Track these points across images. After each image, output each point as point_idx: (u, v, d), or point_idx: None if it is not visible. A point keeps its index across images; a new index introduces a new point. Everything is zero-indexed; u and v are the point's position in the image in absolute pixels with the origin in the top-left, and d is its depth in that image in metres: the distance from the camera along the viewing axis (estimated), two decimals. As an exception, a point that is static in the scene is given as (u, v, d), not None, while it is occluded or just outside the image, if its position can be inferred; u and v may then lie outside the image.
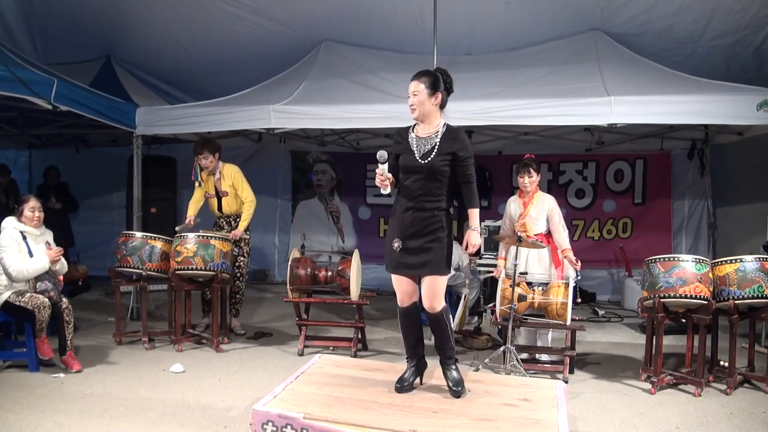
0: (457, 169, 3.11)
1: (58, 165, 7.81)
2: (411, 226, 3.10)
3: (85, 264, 7.50)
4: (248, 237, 5.54)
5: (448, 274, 3.15)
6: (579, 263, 4.45)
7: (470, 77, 6.03)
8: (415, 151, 3.11)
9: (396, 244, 3.12)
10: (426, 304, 3.13)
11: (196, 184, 5.46)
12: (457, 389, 3.08)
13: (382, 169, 3.06)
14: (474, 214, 3.19)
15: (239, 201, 5.45)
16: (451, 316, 3.25)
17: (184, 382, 4.19)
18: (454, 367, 3.17)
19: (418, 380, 3.25)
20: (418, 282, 3.19)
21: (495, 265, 5.11)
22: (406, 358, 3.29)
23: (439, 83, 3.13)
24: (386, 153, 3.07)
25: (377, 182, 3.10)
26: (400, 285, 3.18)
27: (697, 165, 7.63)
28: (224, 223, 5.51)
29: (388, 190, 3.11)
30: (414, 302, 3.20)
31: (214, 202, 5.47)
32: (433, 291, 3.10)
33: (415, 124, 3.22)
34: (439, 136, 3.11)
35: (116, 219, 8.57)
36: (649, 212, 7.77)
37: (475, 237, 3.15)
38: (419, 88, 3.11)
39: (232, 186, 5.40)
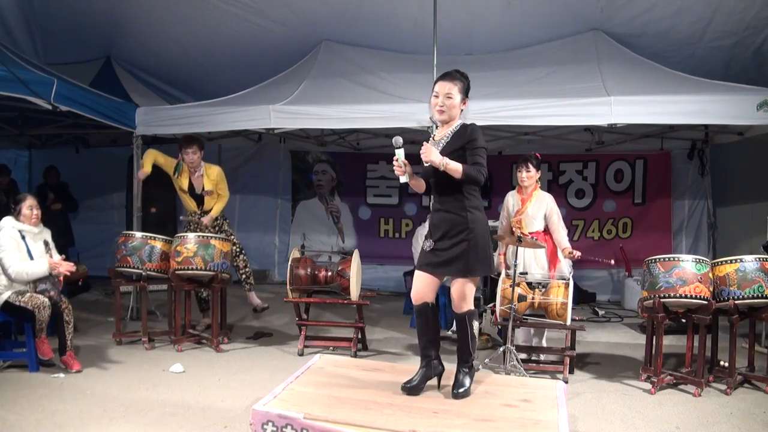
0: (466, 158, 3.04)
1: (58, 165, 7.81)
2: (438, 227, 3.10)
3: (85, 264, 7.46)
4: (224, 220, 5.69)
5: (479, 276, 3.12)
6: (578, 253, 4.47)
7: (470, 77, 6.02)
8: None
9: (427, 244, 3.13)
10: (454, 305, 3.13)
11: (175, 175, 5.48)
12: (456, 391, 3.06)
13: (398, 155, 3.01)
14: (459, 165, 2.96)
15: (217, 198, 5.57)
16: (476, 322, 3.21)
17: (184, 382, 4.19)
18: (466, 371, 3.15)
19: (435, 383, 3.22)
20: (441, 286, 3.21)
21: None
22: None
23: (468, 89, 3.15)
24: (401, 138, 3.02)
25: (395, 170, 3.04)
26: (416, 283, 3.18)
27: (697, 165, 7.63)
28: (200, 217, 5.52)
29: (405, 179, 3.04)
30: (426, 303, 3.17)
31: (188, 198, 5.50)
32: (460, 293, 3.09)
33: (434, 129, 3.20)
34: (450, 135, 3.10)
35: (116, 219, 8.57)
36: (649, 212, 7.77)
37: (435, 153, 2.96)
38: (454, 91, 3.07)
39: (216, 185, 5.49)
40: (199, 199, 5.51)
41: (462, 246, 3.03)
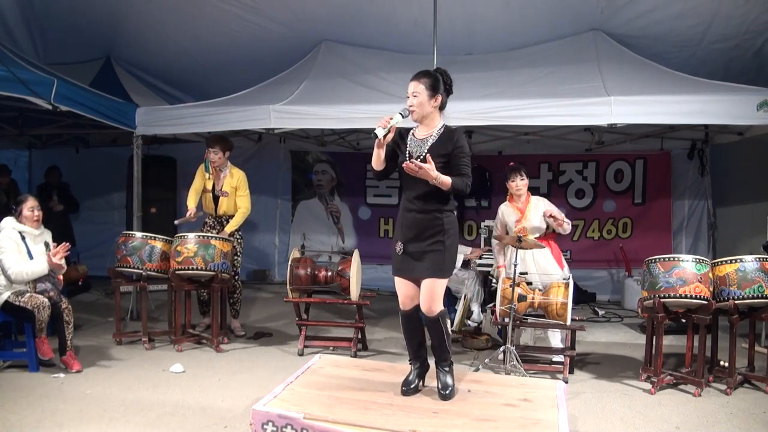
0: (452, 166, 3.03)
1: (58, 165, 7.82)
2: (411, 228, 3.07)
3: (85, 264, 7.50)
4: (240, 237, 5.56)
5: (447, 278, 3.12)
6: (567, 221, 4.48)
7: (470, 77, 6.03)
8: (409, 153, 3.09)
9: (398, 247, 3.11)
10: (423, 307, 3.09)
11: (207, 176, 5.42)
12: (444, 392, 3.07)
13: (395, 119, 3.00)
14: (449, 179, 2.95)
15: (235, 205, 5.46)
16: (448, 319, 3.22)
17: (184, 382, 4.19)
18: (447, 369, 3.16)
19: (421, 382, 3.24)
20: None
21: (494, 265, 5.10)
22: (409, 361, 3.28)
23: (439, 84, 3.10)
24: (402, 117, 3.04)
25: (380, 122, 2.99)
26: (402, 288, 3.16)
27: (697, 165, 7.63)
28: (216, 223, 5.48)
29: (382, 133, 2.99)
30: (416, 305, 3.17)
31: (210, 198, 5.44)
32: (431, 294, 3.06)
33: (415, 126, 3.20)
34: (435, 138, 3.08)
35: (116, 219, 8.57)
36: (649, 212, 7.77)
37: (432, 170, 2.89)
38: (419, 89, 3.07)
39: (235, 188, 5.42)
40: (216, 201, 5.44)
41: (437, 247, 3.04)
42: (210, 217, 5.52)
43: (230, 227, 5.38)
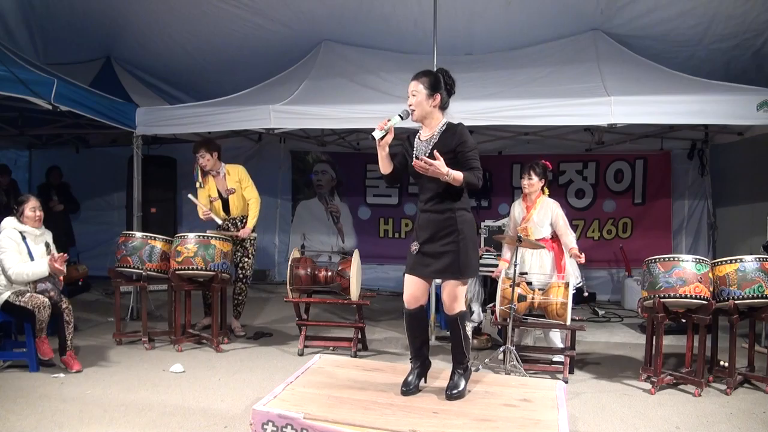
0: (459, 162, 3.01)
1: (58, 165, 7.82)
2: (426, 229, 3.08)
3: (85, 264, 7.51)
4: (254, 238, 5.55)
5: (470, 277, 3.11)
6: (582, 256, 4.43)
7: (470, 77, 6.03)
8: (416, 157, 3.07)
9: (414, 247, 3.13)
10: (445, 307, 3.12)
11: (197, 185, 5.47)
12: (450, 392, 3.07)
13: (393, 121, 3.02)
14: (460, 174, 2.94)
15: (245, 201, 5.46)
16: (469, 323, 3.21)
17: (184, 382, 4.19)
18: (461, 372, 3.15)
19: (422, 381, 3.24)
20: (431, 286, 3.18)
21: (495, 265, 5.10)
22: (410, 359, 3.28)
23: (440, 84, 3.09)
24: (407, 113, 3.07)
25: (378, 125, 3.02)
26: (410, 287, 3.16)
27: (697, 165, 7.64)
28: (230, 225, 5.49)
29: (379, 134, 3.02)
30: (420, 305, 3.18)
31: (219, 204, 5.46)
32: (452, 295, 3.08)
33: (420, 128, 3.21)
34: (437, 136, 3.09)
35: (116, 219, 8.58)
36: (649, 212, 7.77)
37: (442, 165, 2.89)
38: (418, 88, 3.07)
39: (239, 182, 5.42)
40: (226, 204, 5.44)
41: (451, 247, 3.03)
42: (225, 222, 5.50)
43: (251, 221, 5.40)
